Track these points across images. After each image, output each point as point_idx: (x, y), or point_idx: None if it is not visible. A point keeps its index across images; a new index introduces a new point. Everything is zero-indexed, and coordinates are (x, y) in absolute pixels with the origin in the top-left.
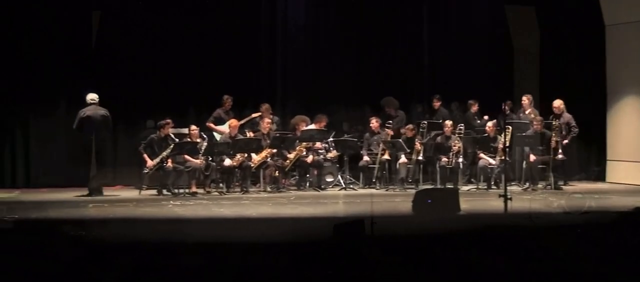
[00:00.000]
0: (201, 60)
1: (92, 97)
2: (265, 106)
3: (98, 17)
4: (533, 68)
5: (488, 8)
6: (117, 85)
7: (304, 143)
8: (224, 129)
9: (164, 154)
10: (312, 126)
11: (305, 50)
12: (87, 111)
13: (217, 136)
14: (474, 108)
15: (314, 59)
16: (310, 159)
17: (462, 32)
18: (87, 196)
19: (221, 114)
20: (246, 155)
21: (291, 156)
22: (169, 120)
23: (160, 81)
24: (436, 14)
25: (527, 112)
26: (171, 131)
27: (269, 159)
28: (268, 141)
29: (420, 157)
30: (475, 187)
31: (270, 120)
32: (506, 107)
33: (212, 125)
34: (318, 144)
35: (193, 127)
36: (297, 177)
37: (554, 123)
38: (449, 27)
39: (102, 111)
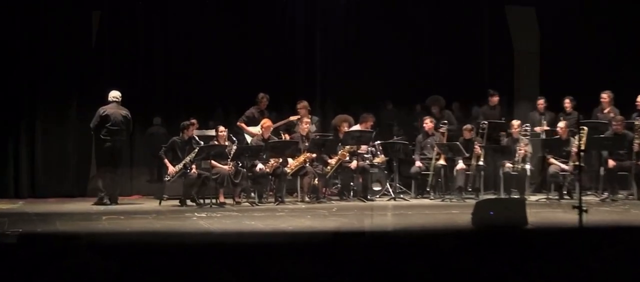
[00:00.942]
0: (233, 55)
1: (114, 94)
2: (303, 104)
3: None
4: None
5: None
6: (133, 85)
7: (348, 146)
8: (256, 131)
9: (188, 159)
10: (357, 127)
11: (348, 43)
12: (107, 109)
13: (248, 138)
14: (540, 105)
15: (357, 52)
16: (354, 164)
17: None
18: (96, 203)
19: (255, 114)
20: (281, 160)
21: (333, 161)
22: (193, 121)
23: (185, 79)
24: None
25: (605, 111)
26: (196, 133)
27: (307, 165)
28: (306, 144)
29: (480, 163)
30: (545, 197)
31: (308, 121)
32: (568, 105)
33: (243, 125)
34: (363, 148)
35: (221, 128)
36: (339, 185)
37: (636, 123)
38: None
39: (124, 111)
